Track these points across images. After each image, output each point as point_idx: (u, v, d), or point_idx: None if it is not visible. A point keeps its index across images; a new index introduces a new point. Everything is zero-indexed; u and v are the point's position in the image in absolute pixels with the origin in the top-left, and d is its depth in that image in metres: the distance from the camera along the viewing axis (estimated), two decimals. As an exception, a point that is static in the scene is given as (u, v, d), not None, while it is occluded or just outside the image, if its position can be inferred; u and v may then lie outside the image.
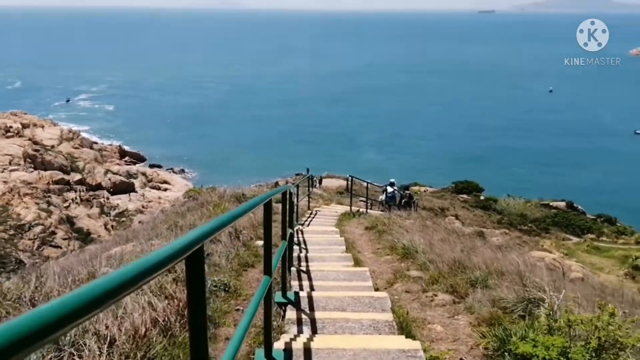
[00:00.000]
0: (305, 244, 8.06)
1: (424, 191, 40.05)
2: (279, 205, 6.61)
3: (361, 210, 15.68)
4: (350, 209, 15.15)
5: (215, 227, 1.86)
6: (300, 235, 8.71)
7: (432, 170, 54.24)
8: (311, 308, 4.23)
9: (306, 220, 12.40)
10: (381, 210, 18.13)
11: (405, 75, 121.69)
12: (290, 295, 4.47)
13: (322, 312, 4.12)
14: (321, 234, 9.54)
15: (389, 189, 18.16)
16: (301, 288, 5.05)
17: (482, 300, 4.78)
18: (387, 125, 74.51)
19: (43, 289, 3.79)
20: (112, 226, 39.84)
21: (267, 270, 3.09)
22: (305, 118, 78.66)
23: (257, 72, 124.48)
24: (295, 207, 9.90)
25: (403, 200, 18.29)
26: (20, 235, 34.79)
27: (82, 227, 38.74)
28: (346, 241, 8.85)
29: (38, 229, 35.47)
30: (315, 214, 13.85)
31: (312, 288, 5.02)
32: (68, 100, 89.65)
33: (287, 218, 4.18)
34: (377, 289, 5.36)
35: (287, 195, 4.21)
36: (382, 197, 19.29)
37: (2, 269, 31.44)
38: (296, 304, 4.32)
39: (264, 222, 3.03)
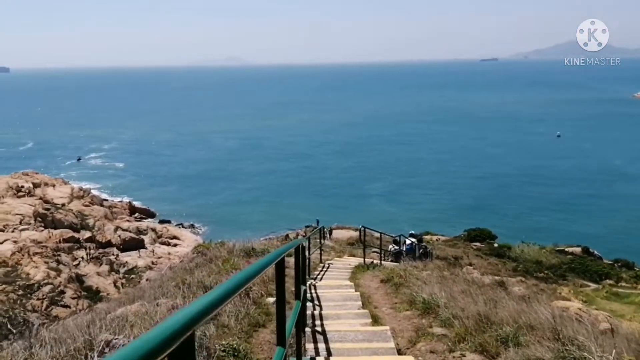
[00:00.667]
0: (319, 300, 7.63)
1: (437, 240, 39.45)
2: (290, 259, 6.28)
3: (375, 261, 15.22)
4: (364, 260, 14.69)
5: (212, 302, 1.44)
6: (313, 291, 8.28)
7: (443, 219, 53.68)
8: (329, 378, 3.84)
9: (319, 274, 11.98)
10: (390, 260, 17.64)
11: (411, 124, 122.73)
12: (306, 362, 4.06)
13: (342, 384, 3.72)
14: (335, 289, 9.08)
15: (408, 241, 17.74)
16: (317, 352, 4.62)
17: (516, 360, 4.37)
18: (396, 175, 74.44)
19: (33, 360, 3.48)
20: (122, 284, 39.30)
21: (281, 340, 2.66)
22: (312, 169, 78.89)
23: (263, 125, 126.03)
24: (307, 260, 9.54)
25: (420, 251, 17.86)
26: (29, 295, 34.30)
27: (91, 285, 38.20)
28: (362, 296, 8.41)
29: (47, 288, 34.95)
30: (328, 267, 13.41)
31: (329, 352, 4.61)
32: (79, 159, 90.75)
33: (301, 274, 3.84)
34: (399, 350, 4.95)
35: (300, 250, 3.89)
36: (392, 247, 18.87)
37: (10, 331, 30.97)
38: (312, 372, 3.92)
39: (276, 286, 2.69)
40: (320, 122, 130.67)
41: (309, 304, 7.00)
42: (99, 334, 4.23)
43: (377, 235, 18.30)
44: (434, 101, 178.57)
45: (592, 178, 70.06)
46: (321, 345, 4.70)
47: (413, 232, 19.14)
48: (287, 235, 33.03)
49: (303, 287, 4.63)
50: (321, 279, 11.25)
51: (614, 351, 3.63)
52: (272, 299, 6.98)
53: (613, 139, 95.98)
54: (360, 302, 7.57)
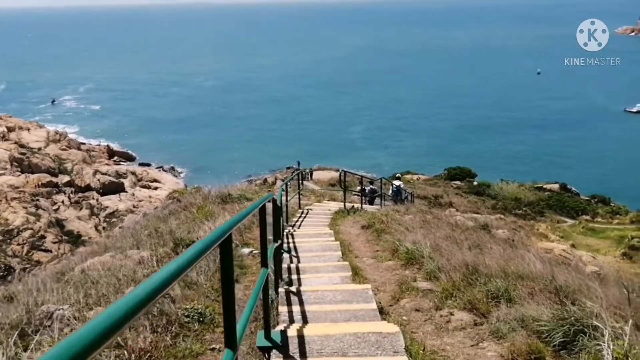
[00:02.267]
0: (296, 251, 7.31)
1: (417, 179, 39.54)
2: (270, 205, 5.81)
3: (356, 205, 14.86)
4: (344, 205, 14.23)
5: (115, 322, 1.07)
6: (290, 240, 7.89)
7: (424, 158, 53.67)
8: (302, 354, 3.39)
9: (297, 221, 11.58)
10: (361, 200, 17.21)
11: (394, 61, 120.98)
12: (276, 335, 3.64)
13: (317, 360, 3.34)
14: (314, 238, 8.76)
15: (395, 183, 17.38)
16: (291, 317, 4.19)
17: (509, 321, 4.03)
18: (378, 115, 73.78)
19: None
20: (103, 227, 39.09)
21: (230, 342, 2.12)
22: (295, 110, 77.79)
23: (246, 65, 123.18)
24: (285, 207, 9.13)
25: (404, 196, 17.55)
26: (9, 240, 34.04)
27: (72, 229, 38.01)
28: (342, 244, 8.06)
29: (27, 233, 34.71)
30: (307, 213, 12.96)
31: (304, 317, 4.19)
32: (53, 101, 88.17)
33: (276, 230, 3.39)
34: (381, 309, 4.60)
35: (273, 209, 3.42)
36: (367, 188, 18.61)
37: (-9, 276, 30.81)
38: (283, 347, 3.47)
39: (221, 280, 2.18)
40: (304, 60, 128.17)
41: (285, 256, 6.65)
42: (44, 303, 3.80)
43: (359, 177, 17.89)
44: (419, 37, 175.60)
45: (571, 114, 70.21)
46: (296, 308, 4.31)
47: (399, 174, 18.85)
48: (265, 180, 32.70)
49: (274, 245, 4.24)
50: (299, 226, 10.82)
51: (630, 321, 3.27)
52: (247, 250, 6.62)
53: (593, 75, 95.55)
54: (340, 252, 7.29)
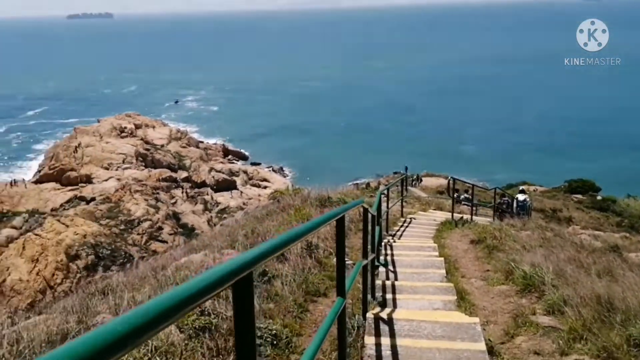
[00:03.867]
0: (394, 266, 6.62)
1: (534, 190, 37.12)
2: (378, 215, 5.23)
3: (465, 217, 13.57)
4: (452, 216, 13.06)
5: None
6: (388, 252, 7.25)
7: (540, 170, 50.33)
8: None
9: (398, 231, 10.81)
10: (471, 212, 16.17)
11: (508, 66, 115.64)
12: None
13: None
14: (415, 251, 8.00)
15: (520, 197, 15.92)
16: (378, 353, 3.54)
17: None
18: (493, 119, 70.69)
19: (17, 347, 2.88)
20: (215, 223, 40.59)
21: None
22: (404, 115, 76.59)
23: (356, 69, 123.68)
24: (385, 214, 8.52)
25: (529, 211, 16.00)
26: (130, 230, 36.18)
27: (187, 222, 39.82)
28: (447, 261, 7.21)
29: (146, 224, 36.70)
30: (410, 223, 12.09)
31: (395, 354, 3.50)
32: (177, 102, 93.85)
33: (365, 244, 2.86)
34: (491, 348, 3.80)
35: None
36: (461, 195, 17.53)
37: (112, 263, 32.97)
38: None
39: (235, 334, 1.68)
40: (418, 65, 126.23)
41: (381, 269, 6.05)
42: (99, 313, 3.54)
43: (470, 186, 16.70)
44: (536, 43, 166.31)
45: None
46: (385, 341, 3.64)
47: (523, 187, 17.47)
48: (367, 184, 32.06)
49: (365, 261, 3.66)
50: (400, 236, 10.02)
51: None
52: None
53: None
54: (443, 271, 6.46)
